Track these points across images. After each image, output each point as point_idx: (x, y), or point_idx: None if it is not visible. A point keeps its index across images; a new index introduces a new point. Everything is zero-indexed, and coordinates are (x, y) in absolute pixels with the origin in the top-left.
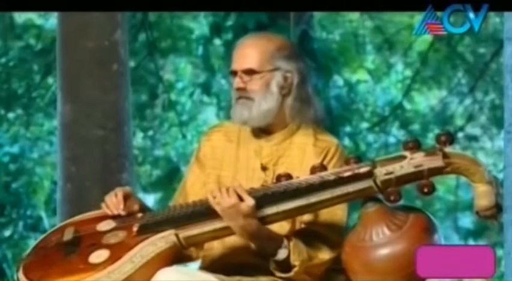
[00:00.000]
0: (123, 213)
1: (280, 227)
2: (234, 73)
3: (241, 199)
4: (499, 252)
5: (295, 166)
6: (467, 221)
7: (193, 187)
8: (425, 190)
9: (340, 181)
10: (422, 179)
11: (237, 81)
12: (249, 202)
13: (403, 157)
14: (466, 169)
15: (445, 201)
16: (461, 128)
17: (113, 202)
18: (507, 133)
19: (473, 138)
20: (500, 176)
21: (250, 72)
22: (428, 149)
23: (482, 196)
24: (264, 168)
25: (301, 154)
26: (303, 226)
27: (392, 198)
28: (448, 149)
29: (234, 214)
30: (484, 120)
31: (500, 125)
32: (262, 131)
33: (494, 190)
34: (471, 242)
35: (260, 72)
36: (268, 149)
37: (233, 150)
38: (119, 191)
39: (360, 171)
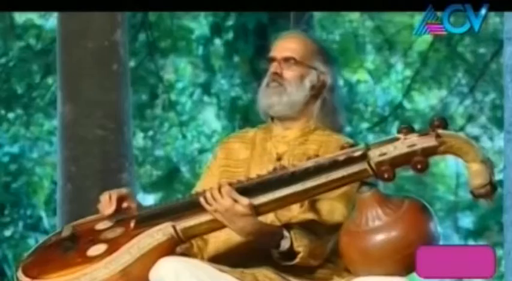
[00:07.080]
0: (111, 213)
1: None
2: (272, 59)
3: (235, 201)
4: (499, 252)
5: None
6: (467, 221)
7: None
8: (419, 166)
9: (335, 165)
10: None
11: (275, 66)
12: (244, 201)
13: (397, 139)
14: (459, 148)
15: (445, 201)
16: (461, 128)
17: (105, 201)
18: (507, 133)
19: (473, 138)
20: (500, 176)
21: (290, 61)
22: (421, 131)
23: (476, 174)
24: (279, 159)
25: (316, 149)
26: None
27: (386, 175)
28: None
29: (232, 217)
30: (484, 120)
31: (500, 125)
32: (278, 131)
33: (488, 169)
34: (471, 242)
35: (299, 64)
36: (284, 146)
37: (248, 150)
38: (114, 193)
39: (354, 154)
